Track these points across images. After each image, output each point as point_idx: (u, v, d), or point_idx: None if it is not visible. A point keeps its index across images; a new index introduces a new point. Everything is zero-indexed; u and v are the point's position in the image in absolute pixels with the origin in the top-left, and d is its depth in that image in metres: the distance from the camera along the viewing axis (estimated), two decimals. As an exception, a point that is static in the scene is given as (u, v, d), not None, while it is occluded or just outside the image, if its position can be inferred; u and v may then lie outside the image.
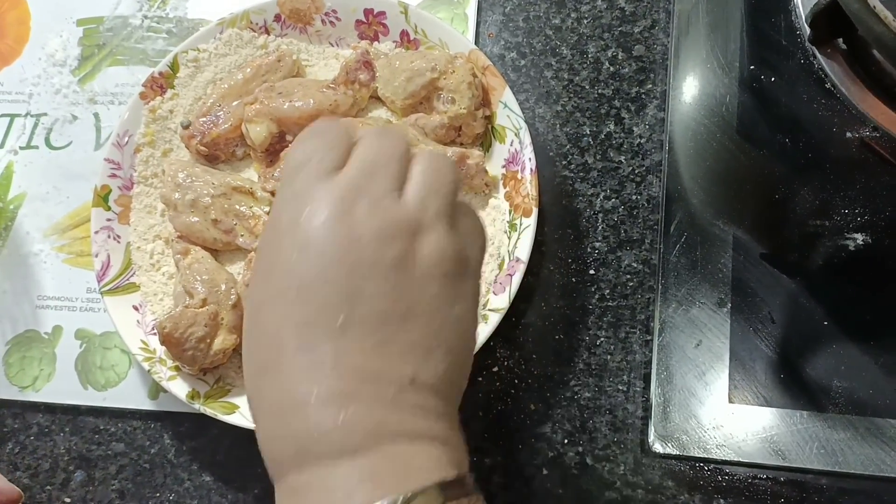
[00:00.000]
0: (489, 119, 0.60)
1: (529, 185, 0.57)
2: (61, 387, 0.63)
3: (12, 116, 0.70)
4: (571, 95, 0.63)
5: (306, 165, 0.38)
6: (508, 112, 0.58)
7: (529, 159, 0.57)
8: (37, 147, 0.69)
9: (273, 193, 0.59)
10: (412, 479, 0.34)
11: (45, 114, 0.69)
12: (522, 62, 0.65)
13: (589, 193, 0.61)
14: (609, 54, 0.64)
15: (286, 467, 0.36)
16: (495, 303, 0.56)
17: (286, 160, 0.41)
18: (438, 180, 0.39)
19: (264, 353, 0.37)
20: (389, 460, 0.35)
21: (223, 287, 0.57)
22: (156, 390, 0.62)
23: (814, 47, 0.59)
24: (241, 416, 0.56)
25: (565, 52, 0.64)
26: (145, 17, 0.70)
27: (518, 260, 0.56)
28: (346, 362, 0.35)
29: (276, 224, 0.38)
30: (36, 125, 0.69)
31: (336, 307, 0.36)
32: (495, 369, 0.59)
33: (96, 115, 0.69)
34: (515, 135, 0.58)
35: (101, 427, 0.63)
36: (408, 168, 0.39)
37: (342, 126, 0.40)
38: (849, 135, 0.58)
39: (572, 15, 0.65)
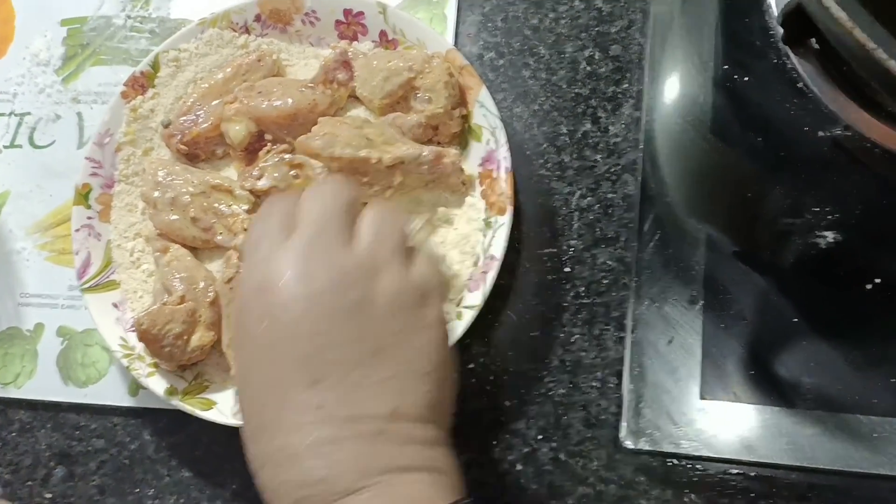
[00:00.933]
0: (466, 118, 0.60)
1: (504, 184, 0.57)
2: (43, 383, 0.64)
3: (-4, 115, 0.71)
4: (549, 95, 0.64)
5: (263, 238, 0.42)
6: (485, 111, 0.59)
7: (504, 158, 0.58)
8: (20, 146, 0.69)
9: (252, 192, 0.60)
10: None
11: (29, 113, 0.70)
12: (501, 62, 0.66)
13: (565, 192, 0.62)
14: (586, 54, 0.65)
15: None
16: (470, 300, 0.56)
17: (248, 235, 0.45)
18: (386, 227, 0.43)
19: (255, 413, 0.40)
20: (384, 496, 0.37)
21: (201, 284, 0.58)
22: (136, 387, 0.63)
23: (787, 47, 0.59)
24: (218, 412, 0.57)
25: (543, 51, 0.65)
26: (128, 17, 0.71)
27: (493, 258, 0.56)
28: (326, 410, 0.38)
29: (245, 291, 0.42)
30: (20, 124, 0.70)
31: (307, 360, 0.38)
32: (471, 366, 0.60)
33: (79, 115, 0.69)
34: (491, 134, 0.59)
35: (82, 423, 0.64)
36: (355, 219, 0.43)
37: (291, 196, 0.44)
38: (821, 134, 0.58)
39: (550, 15, 0.66)
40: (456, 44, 0.66)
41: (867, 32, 0.33)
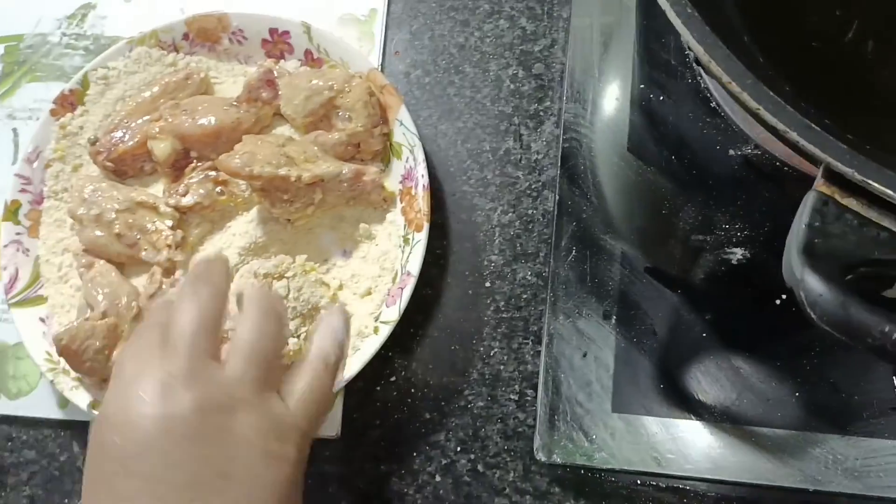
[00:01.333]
0: (387, 136, 0.62)
1: (421, 202, 0.58)
2: (-26, 396, 0.65)
3: (-67, 131, 0.71)
4: (473, 112, 0.65)
5: (131, 360, 0.43)
6: (404, 130, 0.60)
7: (422, 176, 0.59)
8: (-44, 161, 0.70)
9: (177, 208, 0.61)
10: None
11: (-35, 129, 0.71)
12: (427, 79, 0.67)
13: (487, 208, 0.63)
14: (510, 72, 0.66)
15: None
16: (386, 315, 0.57)
17: (116, 360, 0.47)
18: (261, 347, 0.44)
19: None
20: None
21: (124, 300, 0.59)
22: (65, 400, 0.63)
23: (699, 68, 0.61)
24: (140, 425, 0.58)
25: (468, 69, 0.66)
26: (64, 34, 0.72)
27: (409, 274, 0.57)
28: None
29: (107, 411, 0.43)
30: (-44, 140, 0.71)
31: (155, 478, 0.40)
32: (392, 379, 0.61)
33: (14, 131, 0.70)
34: (410, 152, 0.60)
35: (14, 435, 0.64)
36: (221, 331, 0.45)
37: (164, 307, 0.46)
38: (731, 153, 0.59)
39: (475, 34, 0.67)
40: (383, 62, 0.67)
41: (722, 66, 0.35)
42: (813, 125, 0.34)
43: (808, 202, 0.36)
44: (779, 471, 0.54)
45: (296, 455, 0.44)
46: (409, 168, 0.60)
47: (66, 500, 0.62)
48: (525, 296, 0.61)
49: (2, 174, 0.69)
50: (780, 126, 0.34)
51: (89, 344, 0.57)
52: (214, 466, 0.40)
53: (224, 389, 0.42)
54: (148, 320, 0.47)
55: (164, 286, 0.59)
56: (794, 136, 0.34)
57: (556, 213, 0.61)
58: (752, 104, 0.34)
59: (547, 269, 0.61)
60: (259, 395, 0.43)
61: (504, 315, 0.61)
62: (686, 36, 0.35)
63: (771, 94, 0.34)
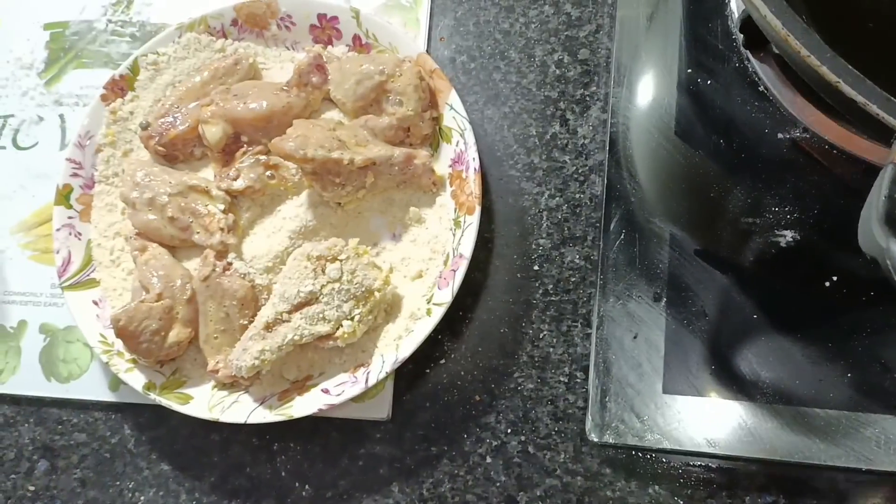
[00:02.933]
0: (436, 120, 0.62)
1: (473, 185, 0.59)
2: (26, 379, 0.65)
3: (-20, 118, 0.72)
4: (519, 97, 0.66)
5: None
6: (454, 114, 0.61)
7: (473, 159, 0.59)
8: (4, 147, 0.71)
9: (228, 192, 0.61)
10: None
11: (13, 115, 0.71)
12: (472, 65, 0.67)
13: (534, 192, 0.64)
14: (555, 58, 0.66)
15: None
16: (439, 297, 0.58)
17: None
18: None
19: None
20: None
21: (178, 282, 0.59)
22: (116, 382, 0.64)
23: (747, 52, 0.61)
24: (195, 406, 0.58)
25: (513, 55, 0.67)
26: (109, 21, 0.72)
27: (461, 256, 0.58)
28: None
29: None
30: (3, 126, 0.71)
31: None
32: (442, 361, 0.61)
33: (62, 117, 0.71)
34: (461, 135, 0.60)
35: (64, 418, 0.65)
36: None
37: None
38: (780, 136, 0.60)
39: (520, 20, 0.67)
40: (428, 48, 0.67)
41: (801, 40, 0.35)
42: (892, 98, 0.34)
43: (887, 175, 0.36)
44: (830, 451, 0.54)
45: None
46: (459, 152, 0.61)
47: (118, 483, 0.63)
48: (573, 279, 0.62)
49: (50, 159, 0.70)
50: (860, 98, 0.34)
51: (146, 325, 0.57)
52: None
53: None
54: None
55: (216, 269, 0.59)
56: (874, 108, 0.35)
57: (604, 196, 0.61)
58: (832, 77, 0.35)
59: (595, 253, 0.62)
60: None
61: (553, 298, 0.62)
62: (763, 10, 0.36)
63: (850, 67, 0.34)
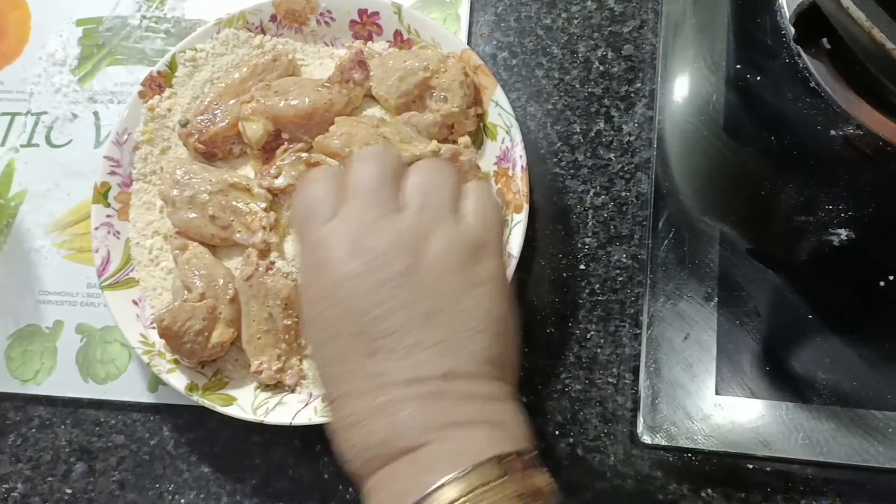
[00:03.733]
0: (481, 117, 0.61)
1: (520, 182, 0.58)
2: (62, 380, 0.64)
3: (13, 115, 0.71)
4: (562, 94, 0.65)
5: (315, 213, 0.42)
6: (500, 110, 0.60)
7: (520, 157, 0.58)
8: (37, 145, 0.70)
9: (270, 191, 0.60)
10: (468, 457, 0.37)
11: (46, 112, 0.71)
12: (514, 61, 0.66)
13: (579, 190, 0.63)
14: (599, 54, 0.65)
15: (361, 475, 0.40)
16: (487, 297, 0.57)
17: (294, 207, 0.44)
18: (433, 187, 0.43)
19: (328, 387, 0.42)
20: (440, 450, 0.38)
21: (221, 282, 0.58)
22: (155, 383, 0.63)
23: (798, 47, 0.60)
24: (238, 407, 0.57)
25: (556, 51, 0.66)
26: (143, 17, 0.71)
27: (510, 255, 0.57)
28: (386, 377, 0.39)
29: (304, 272, 0.43)
30: (37, 123, 0.70)
31: (365, 333, 0.40)
32: (487, 362, 0.60)
33: (96, 114, 0.70)
34: (507, 132, 0.59)
35: (102, 419, 0.64)
36: (401, 182, 0.43)
37: (333, 168, 0.45)
38: (833, 133, 0.59)
39: (563, 15, 0.66)
40: (469, 44, 0.66)
41: (885, 32, 0.34)
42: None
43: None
44: (889, 453, 0.53)
45: (494, 269, 0.42)
46: (504, 149, 0.60)
47: (157, 485, 0.62)
48: (621, 278, 0.61)
49: (85, 157, 0.69)
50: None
51: (190, 325, 0.56)
52: (416, 308, 0.40)
53: (410, 227, 0.41)
54: (315, 179, 0.44)
55: (259, 268, 0.58)
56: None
57: (652, 194, 0.60)
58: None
59: (643, 252, 0.61)
60: (442, 224, 0.42)
61: (600, 298, 0.61)
62: (846, 2, 0.35)
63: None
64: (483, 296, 0.41)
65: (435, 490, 0.37)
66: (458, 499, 0.36)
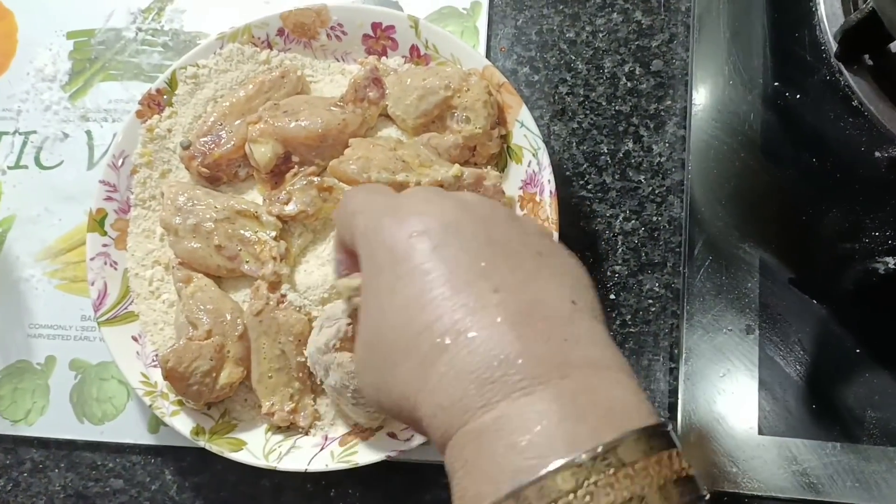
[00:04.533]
0: (505, 138, 0.57)
1: (549, 208, 0.54)
2: (56, 420, 0.60)
3: (0, 134, 0.66)
4: (588, 112, 0.61)
5: (375, 194, 0.39)
6: (525, 131, 0.56)
7: (549, 181, 0.55)
8: (26, 167, 0.65)
9: (279, 218, 0.56)
10: (617, 419, 0.30)
11: (35, 131, 0.66)
12: (536, 77, 0.62)
13: (608, 214, 0.59)
14: (626, 69, 0.62)
15: (467, 410, 0.31)
16: (515, 332, 0.53)
17: (346, 202, 0.40)
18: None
19: (422, 323, 0.34)
20: (587, 393, 0.31)
21: (228, 317, 0.54)
22: (156, 423, 0.59)
23: (840, 63, 0.57)
24: (248, 453, 0.54)
25: (580, 66, 0.62)
26: (139, 29, 0.67)
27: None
28: (507, 297, 0.33)
29: (387, 238, 0.36)
30: (25, 143, 0.66)
31: (475, 253, 0.34)
32: (513, 399, 0.57)
33: (89, 133, 0.65)
34: (533, 155, 0.56)
35: (99, 462, 0.60)
36: None
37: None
38: (878, 154, 0.56)
39: (587, 28, 0.63)
40: (488, 58, 0.62)
41: None
42: None
43: None
44: (943, 496, 0.50)
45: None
46: (531, 173, 0.56)
47: (159, 532, 0.58)
48: (653, 309, 0.57)
49: (77, 179, 0.65)
50: None
51: (197, 366, 0.52)
52: (528, 243, 0.36)
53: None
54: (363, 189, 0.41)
55: (270, 302, 0.54)
56: None
57: (687, 220, 0.57)
58: None
59: (676, 281, 0.57)
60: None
61: (631, 329, 0.57)
62: None
63: None
64: (574, 261, 0.37)
65: (568, 464, 0.29)
66: (588, 482, 0.28)
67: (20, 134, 0.66)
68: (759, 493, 0.52)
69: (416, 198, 0.37)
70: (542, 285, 0.34)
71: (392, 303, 0.35)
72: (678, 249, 0.58)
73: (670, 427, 0.31)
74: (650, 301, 0.57)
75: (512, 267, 0.34)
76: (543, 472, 0.29)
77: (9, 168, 0.66)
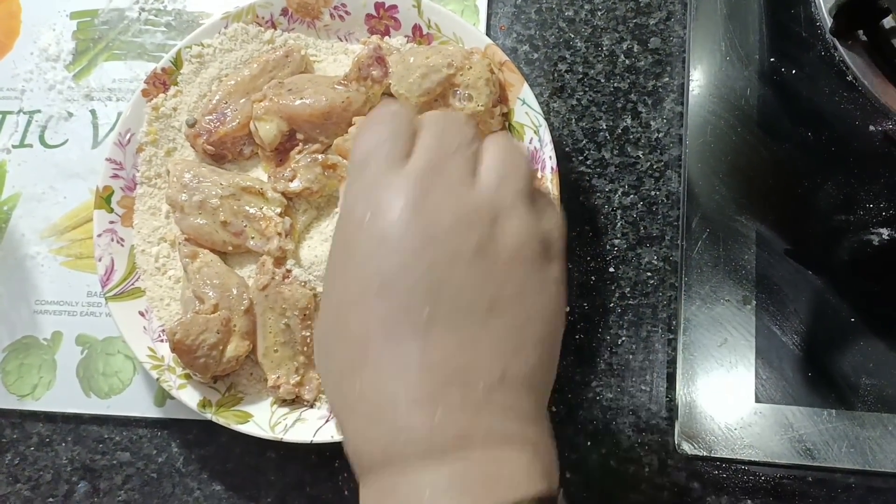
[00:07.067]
0: (506, 116, 0.58)
1: (551, 185, 0.55)
2: (62, 395, 0.61)
3: (4, 114, 0.67)
4: (587, 89, 0.62)
5: (374, 157, 0.36)
6: (527, 109, 0.57)
7: (550, 158, 0.55)
8: (31, 145, 0.66)
9: (284, 194, 0.57)
10: (500, 491, 0.32)
11: (39, 111, 0.67)
12: (535, 55, 0.63)
13: (607, 189, 0.60)
14: (624, 47, 0.62)
15: (373, 468, 0.34)
16: (517, 304, 0.54)
17: (352, 152, 0.38)
18: (513, 163, 0.38)
19: (349, 352, 0.35)
20: (478, 466, 0.32)
21: (234, 291, 0.55)
22: (162, 397, 0.60)
23: (834, 39, 0.58)
24: (254, 424, 0.54)
25: (579, 44, 0.63)
26: (142, 9, 0.67)
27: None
28: (434, 360, 0.33)
29: (349, 220, 0.36)
30: (29, 123, 0.66)
31: (420, 302, 0.34)
32: (515, 371, 0.58)
33: (93, 112, 0.66)
34: (535, 132, 0.57)
35: (105, 436, 0.61)
36: (478, 152, 0.38)
37: (404, 112, 0.38)
38: (872, 128, 0.57)
39: (586, 6, 0.64)
40: (488, 37, 0.63)
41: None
42: None
43: None
44: (936, 461, 0.52)
45: (560, 274, 0.38)
46: (532, 150, 0.57)
47: (166, 504, 0.59)
48: (652, 281, 0.58)
49: (82, 158, 0.65)
50: None
51: (204, 338, 0.53)
52: (483, 293, 0.34)
53: (484, 201, 0.36)
54: (382, 118, 0.38)
55: (276, 277, 0.55)
56: None
57: (684, 194, 0.58)
58: None
59: (674, 253, 0.58)
60: (519, 207, 0.36)
61: (630, 301, 0.58)
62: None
63: None
64: (549, 299, 0.36)
65: None
66: None
67: (24, 113, 0.67)
68: (756, 460, 0.53)
69: (395, 193, 0.35)
70: (475, 353, 0.34)
71: (336, 287, 0.36)
72: (676, 223, 0.59)
73: (560, 495, 0.34)
74: (649, 274, 0.58)
75: (451, 327, 0.34)
76: None
77: (13, 147, 0.66)
